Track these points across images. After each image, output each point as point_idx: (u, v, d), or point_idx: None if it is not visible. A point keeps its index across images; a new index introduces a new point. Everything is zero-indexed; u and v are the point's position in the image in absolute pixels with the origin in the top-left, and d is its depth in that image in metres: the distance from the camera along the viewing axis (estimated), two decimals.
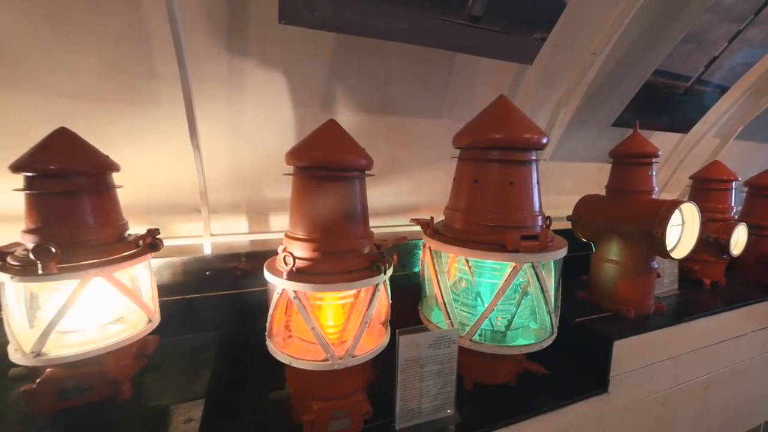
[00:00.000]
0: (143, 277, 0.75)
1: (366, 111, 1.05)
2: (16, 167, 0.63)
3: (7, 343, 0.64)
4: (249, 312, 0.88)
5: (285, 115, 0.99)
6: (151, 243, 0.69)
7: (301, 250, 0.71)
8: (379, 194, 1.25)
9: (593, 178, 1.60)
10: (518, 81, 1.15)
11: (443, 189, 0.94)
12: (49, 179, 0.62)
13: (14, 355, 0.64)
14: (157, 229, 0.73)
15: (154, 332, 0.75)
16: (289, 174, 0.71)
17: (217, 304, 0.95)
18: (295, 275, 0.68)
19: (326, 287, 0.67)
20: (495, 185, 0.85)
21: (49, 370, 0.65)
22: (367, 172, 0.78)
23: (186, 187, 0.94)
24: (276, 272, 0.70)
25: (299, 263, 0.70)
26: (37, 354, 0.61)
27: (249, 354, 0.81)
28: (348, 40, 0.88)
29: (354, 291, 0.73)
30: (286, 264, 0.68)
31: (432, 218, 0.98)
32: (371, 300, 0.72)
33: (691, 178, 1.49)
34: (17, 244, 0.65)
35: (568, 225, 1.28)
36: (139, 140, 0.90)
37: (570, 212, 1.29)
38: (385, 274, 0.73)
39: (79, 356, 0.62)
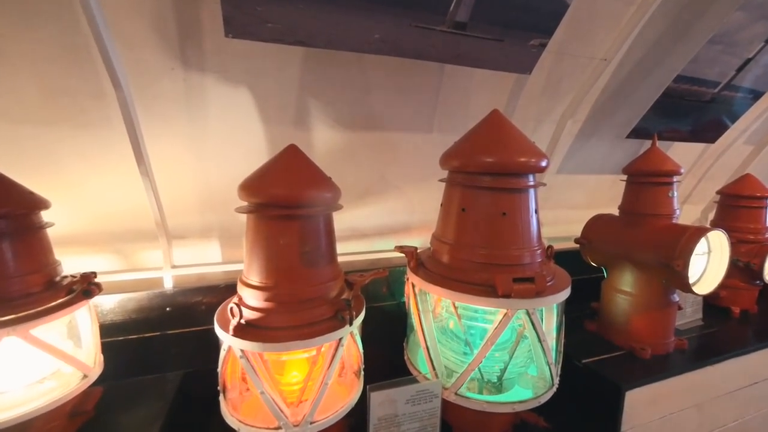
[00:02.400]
0: (84, 322, 0.67)
1: (346, 127, 0.95)
2: None
3: None
4: (216, 350, 0.79)
5: (255, 134, 0.90)
6: (84, 290, 0.61)
7: (254, 299, 0.62)
8: (366, 214, 1.15)
9: (606, 191, 1.46)
10: (519, 89, 1.03)
11: (437, 208, 0.84)
12: None
13: None
14: (94, 273, 0.65)
15: (100, 381, 0.68)
16: (242, 210, 0.62)
17: (179, 343, 0.87)
18: (242, 330, 0.59)
19: (276, 347, 0.57)
20: (485, 216, 0.74)
21: None
22: (332, 206, 0.68)
23: (150, 212, 0.86)
24: (224, 323, 0.61)
25: (250, 315, 0.61)
26: None
27: (211, 400, 0.72)
28: (316, 50, 0.78)
29: None
30: (232, 316, 0.59)
31: (416, 249, 0.88)
32: (333, 357, 0.62)
33: (718, 193, 1.34)
34: None
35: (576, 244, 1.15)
36: (93, 164, 0.82)
37: (580, 228, 1.16)
38: (351, 324, 0.63)
39: None
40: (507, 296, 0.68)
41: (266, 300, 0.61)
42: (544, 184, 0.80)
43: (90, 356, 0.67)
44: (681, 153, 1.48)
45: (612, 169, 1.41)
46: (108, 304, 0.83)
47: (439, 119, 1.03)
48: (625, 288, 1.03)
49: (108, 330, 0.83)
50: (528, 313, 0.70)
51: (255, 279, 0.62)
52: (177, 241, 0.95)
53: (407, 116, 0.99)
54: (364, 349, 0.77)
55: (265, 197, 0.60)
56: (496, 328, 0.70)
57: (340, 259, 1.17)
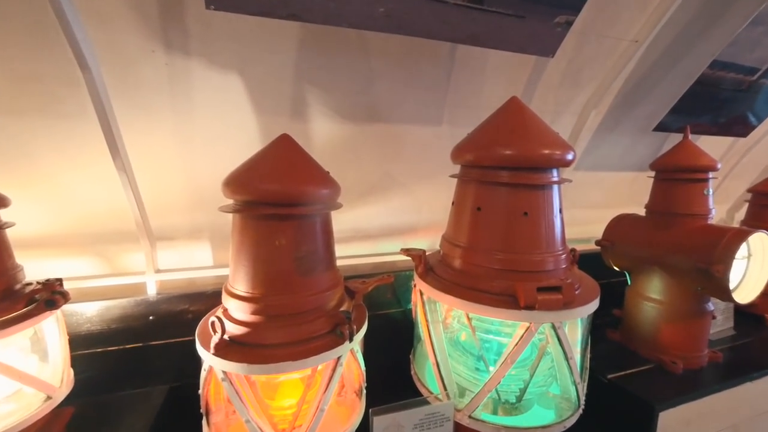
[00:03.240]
0: (50, 335, 0.59)
1: (347, 118, 0.87)
2: None
3: None
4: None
5: (247, 125, 0.82)
6: (47, 300, 0.53)
7: (240, 311, 0.54)
8: (369, 214, 1.07)
9: (626, 189, 1.37)
10: (536, 77, 0.94)
11: (446, 206, 0.75)
12: None
13: None
14: (59, 280, 0.58)
15: (74, 399, 0.60)
16: (227, 209, 0.54)
17: (164, 355, 0.79)
18: (225, 348, 0.51)
19: (264, 369, 0.49)
20: (504, 216, 0.66)
21: None
22: (332, 203, 0.59)
23: (129, 211, 0.78)
24: (205, 340, 0.53)
25: (235, 330, 0.53)
26: None
27: (199, 418, 0.64)
28: (314, 30, 0.70)
29: None
30: (213, 331, 0.51)
31: (424, 252, 0.79)
32: (330, 379, 0.54)
33: (750, 191, 1.24)
34: None
35: (595, 246, 1.06)
36: (69, 158, 0.74)
37: (598, 229, 1.07)
38: (351, 340, 0.55)
39: None
40: (530, 308, 0.60)
41: (254, 313, 0.53)
42: (570, 181, 0.71)
43: (56, 374, 0.59)
44: (706, 148, 1.38)
45: (633, 166, 1.31)
46: (85, 312, 0.76)
47: (450, 110, 0.94)
48: (653, 295, 0.93)
49: (85, 341, 0.76)
50: (554, 327, 0.61)
51: (241, 288, 0.54)
52: (164, 242, 0.88)
53: (414, 107, 0.91)
54: (366, 361, 0.70)
55: (254, 194, 0.52)
56: (517, 344, 0.62)
57: (341, 263, 1.08)
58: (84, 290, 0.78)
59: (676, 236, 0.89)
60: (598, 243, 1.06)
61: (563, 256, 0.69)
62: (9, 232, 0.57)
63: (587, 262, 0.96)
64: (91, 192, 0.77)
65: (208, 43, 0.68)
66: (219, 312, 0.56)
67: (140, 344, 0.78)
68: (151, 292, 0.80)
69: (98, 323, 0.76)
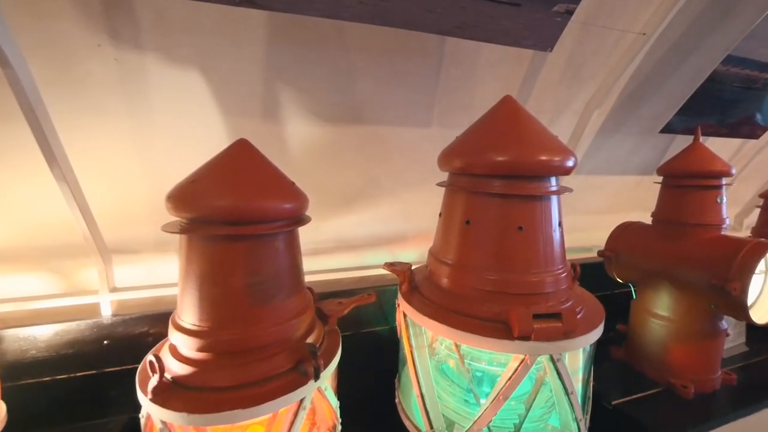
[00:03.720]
0: None
1: (326, 120, 0.79)
2: None
3: None
4: None
5: (215, 128, 0.74)
6: None
7: (186, 347, 0.46)
8: (354, 223, 0.99)
9: (630, 193, 1.29)
10: (533, 74, 0.86)
11: (437, 215, 0.68)
12: None
13: None
14: None
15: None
16: (170, 229, 0.46)
17: (121, 383, 0.72)
18: (165, 392, 0.43)
19: (208, 419, 0.41)
20: (496, 230, 0.58)
21: None
22: (297, 218, 0.52)
23: (75, 223, 0.70)
24: (144, 381, 0.45)
25: (179, 369, 0.45)
26: None
27: None
28: (283, 20, 0.62)
29: None
30: (151, 372, 0.43)
31: (410, 267, 0.72)
32: (292, 423, 0.46)
33: (762, 196, 1.16)
34: None
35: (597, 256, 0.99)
36: (11, 165, 0.67)
37: (600, 236, 0.99)
38: (317, 378, 0.47)
39: None
40: (525, 338, 0.52)
41: (201, 349, 0.45)
42: (571, 190, 0.64)
43: None
44: (714, 150, 1.30)
45: (637, 169, 1.23)
46: (31, 336, 0.68)
47: (439, 111, 0.86)
48: (660, 312, 0.86)
49: (31, 369, 0.68)
50: (552, 360, 0.53)
51: (188, 320, 0.46)
52: (125, 256, 0.80)
53: (400, 108, 0.83)
54: (348, 383, 0.62)
55: (199, 211, 0.44)
56: (510, 379, 0.54)
57: (321, 277, 1.02)
58: (30, 312, 0.70)
59: (687, 248, 0.81)
60: (600, 254, 0.98)
61: (563, 274, 0.61)
62: None
63: (589, 272, 0.88)
64: (37, 202, 0.70)
65: (162, 35, 0.60)
66: (165, 347, 0.48)
67: (93, 371, 0.70)
68: (106, 313, 0.73)
69: (45, 349, 0.68)
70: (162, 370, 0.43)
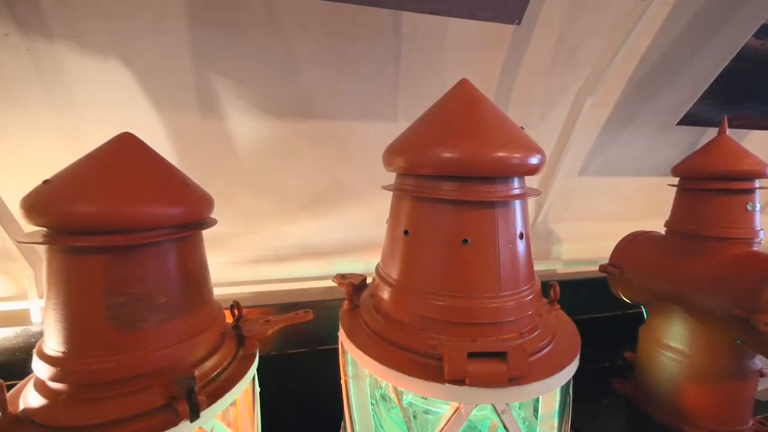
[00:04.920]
0: None
1: (273, 114, 0.72)
2: None
3: None
4: None
5: (150, 124, 0.68)
6: None
7: (47, 376, 0.40)
8: (320, 228, 0.91)
9: (648, 198, 1.11)
10: (516, 59, 0.74)
11: None
12: None
13: None
14: None
15: None
16: (26, 239, 0.40)
17: None
18: (10, 427, 0.37)
19: None
20: (437, 243, 0.48)
21: None
22: (189, 225, 0.44)
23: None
24: None
25: (36, 401, 0.39)
26: None
27: None
28: (202, 1, 0.55)
29: None
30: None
31: (363, 279, 0.63)
32: None
33: None
34: None
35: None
36: None
37: (611, 247, 0.84)
38: (194, 417, 0.39)
39: None
40: (457, 383, 0.41)
41: (58, 379, 0.38)
42: (539, 193, 0.52)
43: None
44: (754, 148, 1.10)
45: (656, 169, 1.06)
46: None
47: (406, 103, 0.76)
48: (673, 343, 0.70)
49: None
50: (495, 411, 0.42)
51: (50, 345, 0.40)
52: None
53: (358, 99, 0.74)
54: (297, 414, 0.54)
55: (48, 217, 0.37)
56: (444, 428, 0.43)
57: (286, 286, 0.94)
58: None
59: (706, 267, 0.66)
60: (602, 269, 0.83)
61: (528, 298, 0.49)
62: None
63: (596, 288, 0.74)
64: None
65: (69, 22, 0.55)
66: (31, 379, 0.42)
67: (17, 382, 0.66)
68: (36, 320, 0.69)
69: None
70: (4, 402, 0.37)
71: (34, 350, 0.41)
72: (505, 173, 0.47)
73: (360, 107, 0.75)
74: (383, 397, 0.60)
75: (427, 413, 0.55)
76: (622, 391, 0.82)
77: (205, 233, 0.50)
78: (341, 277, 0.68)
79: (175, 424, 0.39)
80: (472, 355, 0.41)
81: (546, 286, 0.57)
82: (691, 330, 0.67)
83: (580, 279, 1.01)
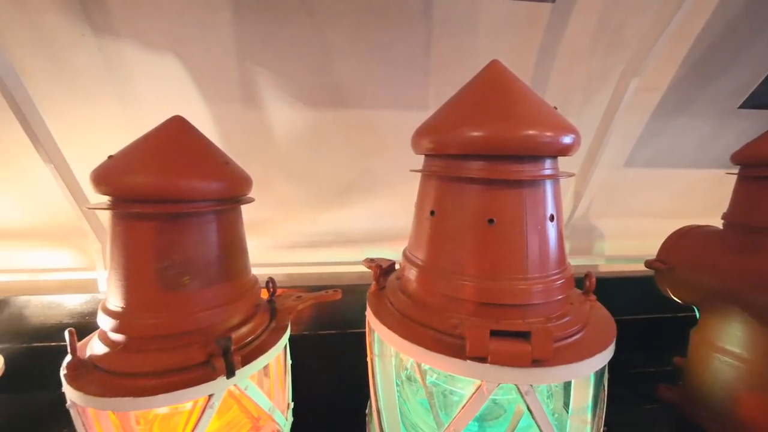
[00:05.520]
0: None
1: (308, 103, 0.75)
2: None
3: None
4: None
5: (200, 116, 0.75)
6: None
7: (108, 328, 0.45)
8: (351, 216, 0.94)
9: (706, 193, 1.02)
10: (554, 42, 0.71)
11: None
12: None
13: None
14: None
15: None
16: (89, 206, 0.46)
17: None
18: (77, 371, 0.43)
19: (101, 402, 0.40)
20: (462, 223, 0.48)
21: None
22: (228, 200, 0.48)
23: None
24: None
25: (99, 350, 0.44)
26: None
27: None
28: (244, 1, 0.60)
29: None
30: (70, 351, 0.43)
31: (392, 264, 0.64)
32: (198, 420, 0.42)
33: None
34: None
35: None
36: (28, 151, 0.74)
37: (658, 246, 0.79)
38: (230, 376, 0.43)
39: None
40: (480, 360, 0.41)
41: (116, 330, 0.44)
42: (572, 174, 0.50)
43: None
44: None
45: (714, 161, 0.97)
46: (39, 304, 0.76)
47: (436, 91, 0.76)
48: (729, 347, 0.64)
49: (39, 334, 0.76)
50: (519, 392, 0.41)
51: (112, 301, 0.46)
52: None
53: (389, 88, 0.75)
54: (325, 391, 0.58)
55: (111, 187, 0.43)
56: (464, 407, 0.43)
57: (319, 269, 0.98)
58: (37, 283, 0.79)
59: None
60: (649, 264, 0.78)
61: (558, 283, 0.47)
62: None
63: (642, 287, 0.70)
64: (49, 193, 0.77)
65: (133, 21, 0.62)
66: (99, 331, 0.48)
67: None
68: (103, 288, 0.78)
69: (53, 317, 0.76)
70: (74, 347, 0.42)
71: (99, 305, 0.47)
72: (535, 152, 0.46)
73: (391, 96, 0.77)
74: (409, 378, 0.61)
75: (452, 394, 0.54)
76: (668, 398, 0.75)
77: (246, 218, 0.54)
78: (370, 261, 0.69)
79: (212, 378, 0.42)
80: (495, 334, 0.41)
81: (580, 278, 0.54)
82: (751, 332, 0.61)
83: (623, 277, 0.95)
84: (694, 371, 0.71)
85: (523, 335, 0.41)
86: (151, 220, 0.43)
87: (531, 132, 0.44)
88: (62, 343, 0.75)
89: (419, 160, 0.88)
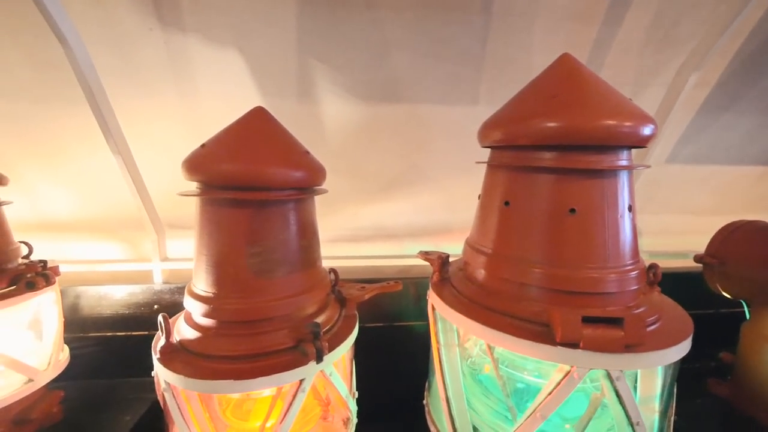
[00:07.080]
0: (49, 315, 0.59)
1: (361, 98, 0.76)
2: None
3: None
4: None
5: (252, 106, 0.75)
6: (28, 281, 0.52)
7: (195, 313, 0.46)
8: (393, 211, 0.94)
9: (747, 191, 1.02)
10: (607, 38, 0.72)
11: None
12: None
13: None
14: (43, 262, 0.57)
15: (73, 379, 0.60)
16: (188, 193, 0.47)
17: None
18: (171, 354, 0.43)
19: (200, 385, 0.40)
20: (541, 213, 0.48)
21: None
22: (308, 189, 0.49)
23: (159, 199, 0.78)
24: (157, 342, 0.46)
25: (189, 334, 0.45)
26: None
27: None
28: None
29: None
30: (161, 332, 0.44)
31: (447, 257, 0.65)
32: (290, 404, 0.43)
33: None
34: None
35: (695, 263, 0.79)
36: (93, 143, 0.76)
37: (701, 241, 0.79)
38: (319, 361, 0.44)
39: None
40: (572, 345, 0.41)
41: (206, 315, 0.45)
42: (648, 166, 0.50)
43: (44, 356, 0.58)
44: None
45: (759, 158, 0.97)
46: (95, 294, 0.77)
47: (487, 86, 0.77)
48: None
49: (95, 323, 0.77)
50: (609, 377, 0.42)
51: (199, 286, 0.46)
52: (180, 231, 0.86)
53: (442, 83, 0.76)
54: (376, 382, 0.58)
55: (205, 174, 0.44)
56: (551, 394, 0.44)
57: (360, 263, 0.99)
58: (94, 274, 0.80)
59: None
60: (698, 259, 0.78)
61: (634, 273, 0.48)
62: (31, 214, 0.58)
63: (680, 283, 0.71)
64: (108, 184, 0.78)
65: (201, 15, 0.63)
66: (184, 312, 0.49)
67: (144, 332, 0.77)
68: (158, 280, 0.79)
69: (108, 307, 0.77)
70: (168, 331, 0.43)
71: (186, 290, 0.48)
72: (614, 142, 0.46)
73: (442, 91, 0.77)
74: (472, 366, 0.61)
75: (521, 383, 0.55)
76: (719, 392, 0.76)
77: None
78: (425, 254, 0.70)
79: (303, 363, 0.43)
80: (587, 320, 0.41)
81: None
82: None
83: (665, 273, 0.95)
84: (746, 365, 0.71)
85: (615, 322, 0.41)
86: (243, 207, 0.44)
87: (611, 122, 0.45)
88: (119, 333, 0.77)
89: (466, 156, 0.89)
